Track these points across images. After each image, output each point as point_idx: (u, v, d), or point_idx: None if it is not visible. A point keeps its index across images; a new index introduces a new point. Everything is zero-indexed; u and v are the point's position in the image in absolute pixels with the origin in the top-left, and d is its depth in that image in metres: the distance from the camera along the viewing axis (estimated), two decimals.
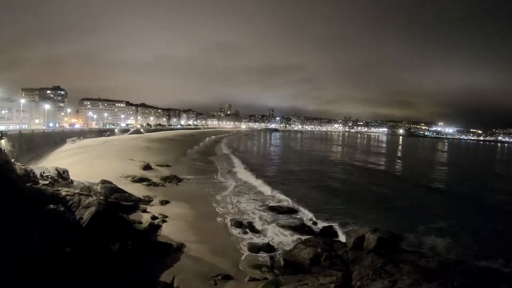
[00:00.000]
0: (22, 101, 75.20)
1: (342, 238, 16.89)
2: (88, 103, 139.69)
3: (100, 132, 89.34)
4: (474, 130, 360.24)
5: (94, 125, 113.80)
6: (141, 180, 27.92)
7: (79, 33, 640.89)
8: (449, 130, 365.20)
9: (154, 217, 17.87)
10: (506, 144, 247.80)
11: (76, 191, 15.25)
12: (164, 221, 17.62)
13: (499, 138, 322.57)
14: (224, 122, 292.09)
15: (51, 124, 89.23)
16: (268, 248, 15.22)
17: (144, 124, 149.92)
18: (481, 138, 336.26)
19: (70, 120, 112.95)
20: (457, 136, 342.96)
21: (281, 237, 17.07)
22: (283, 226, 18.67)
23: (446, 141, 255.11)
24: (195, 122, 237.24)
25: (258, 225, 18.75)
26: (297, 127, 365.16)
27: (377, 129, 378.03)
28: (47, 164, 27.57)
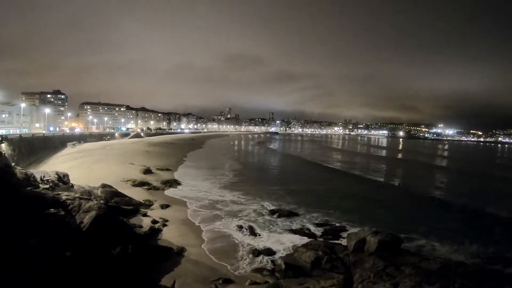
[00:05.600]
0: (23, 105, 75.45)
1: (343, 241, 16.83)
2: (89, 107, 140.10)
3: (101, 136, 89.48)
4: (474, 132, 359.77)
5: (94, 129, 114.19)
6: (141, 184, 27.93)
7: (112, 47, 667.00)
8: (449, 131, 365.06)
9: (154, 221, 17.87)
10: (506, 145, 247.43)
11: (77, 195, 15.26)
12: (164, 225, 17.61)
13: (499, 139, 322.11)
14: (224, 126, 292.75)
15: (51, 128, 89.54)
16: (269, 251, 15.18)
17: (144, 128, 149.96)
18: (481, 139, 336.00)
19: (70, 124, 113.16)
20: (457, 138, 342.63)
21: (281, 240, 16.98)
22: (283, 229, 18.63)
23: (446, 142, 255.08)
24: (195, 126, 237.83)
25: (258, 228, 18.71)
26: (297, 130, 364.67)
27: (377, 131, 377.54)
28: (48, 168, 27.59)
